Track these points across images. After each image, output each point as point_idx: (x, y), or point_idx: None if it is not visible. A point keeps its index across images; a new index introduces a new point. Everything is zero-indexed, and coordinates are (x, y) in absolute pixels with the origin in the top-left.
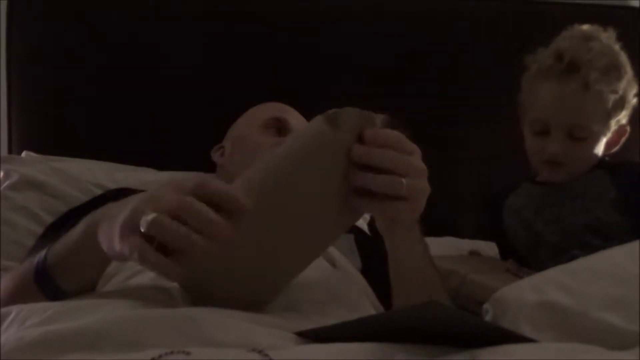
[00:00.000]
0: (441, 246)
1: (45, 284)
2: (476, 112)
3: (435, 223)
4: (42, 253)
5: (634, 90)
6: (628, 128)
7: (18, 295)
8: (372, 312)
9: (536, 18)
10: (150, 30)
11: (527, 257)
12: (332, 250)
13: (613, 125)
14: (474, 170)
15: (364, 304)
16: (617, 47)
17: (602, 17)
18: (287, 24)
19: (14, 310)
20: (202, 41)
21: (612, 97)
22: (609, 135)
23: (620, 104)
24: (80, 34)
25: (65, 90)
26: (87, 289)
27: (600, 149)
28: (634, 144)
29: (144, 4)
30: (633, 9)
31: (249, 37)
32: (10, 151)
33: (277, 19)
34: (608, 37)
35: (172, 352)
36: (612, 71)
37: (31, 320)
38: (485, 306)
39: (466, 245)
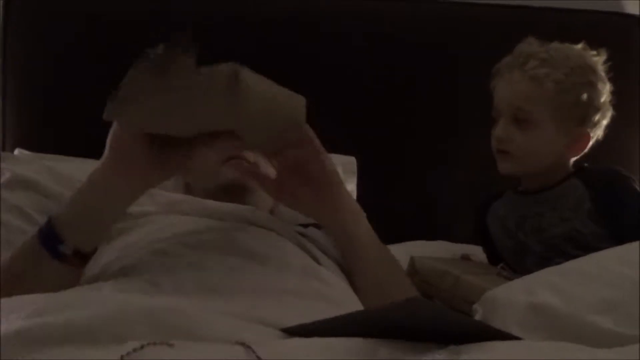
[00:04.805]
0: (434, 250)
1: (53, 245)
2: (472, 119)
3: (428, 227)
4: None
5: (601, 98)
6: (592, 135)
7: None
8: (355, 309)
9: (535, 26)
10: (146, 30)
11: (513, 263)
12: (314, 249)
13: (567, 124)
14: (468, 176)
15: (347, 301)
16: (585, 53)
17: (600, 24)
18: (288, 31)
19: None
20: (200, 41)
21: (553, 86)
22: (563, 134)
23: (567, 100)
24: (75, 33)
25: (59, 88)
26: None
27: (553, 143)
28: (634, 146)
29: (141, 4)
30: (630, 16)
31: (253, 44)
32: (3, 149)
33: (277, 24)
34: (583, 47)
35: (154, 344)
36: (556, 66)
37: (17, 312)
38: (475, 306)
39: (458, 249)
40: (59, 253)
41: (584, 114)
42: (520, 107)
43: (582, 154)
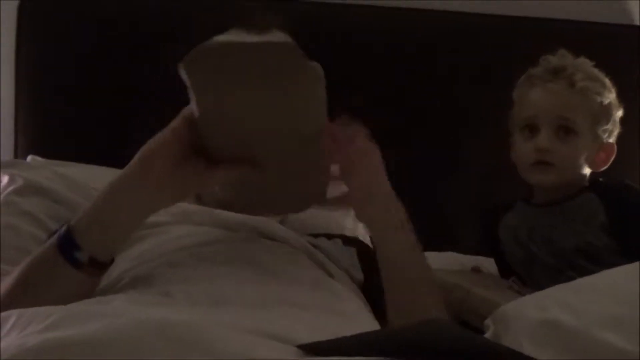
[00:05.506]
0: (443, 261)
1: (70, 252)
2: (477, 129)
3: (437, 238)
4: (62, 227)
5: (619, 112)
6: (615, 147)
7: (31, 281)
8: (369, 324)
9: (538, 36)
10: (158, 37)
11: (523, 274)
12: (326, 260)
13: (600, 137)
14: (475, 186)
15: (358, 314)
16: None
17: (606, 35)
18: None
19: (15, 314)
20: None
21: (597, 99)
22: (595, 148)
23: (605, 115)
24: (86, 40)
25: (71, 95)
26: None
27: (586, 156)
28: (634, 154)
29: (153, 12)
30: (636, 27)
31: None
32: (16, 155)
33: (277, 25)
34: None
35: None
36: (596, 80)
37: (33, 325)
38: (487, 322)
39: (468, 261)
40: (76, 260)
41: (613, 129)
42: (566, 117)
43: (605, 167)
